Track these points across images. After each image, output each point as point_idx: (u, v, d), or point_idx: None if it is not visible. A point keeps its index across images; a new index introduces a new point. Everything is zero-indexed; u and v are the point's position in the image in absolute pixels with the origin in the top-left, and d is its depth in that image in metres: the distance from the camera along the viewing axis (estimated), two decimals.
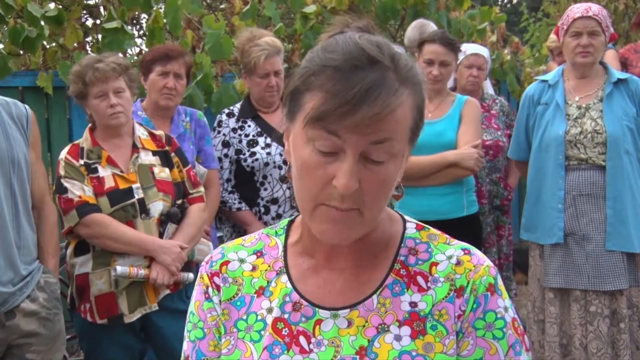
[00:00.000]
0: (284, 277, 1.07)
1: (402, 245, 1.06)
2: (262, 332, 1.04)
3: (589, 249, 2.98)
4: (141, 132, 2.71)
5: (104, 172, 2.57)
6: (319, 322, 1.03)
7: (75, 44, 3.87)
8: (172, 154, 2.73)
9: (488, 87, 4.37)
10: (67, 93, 3.81)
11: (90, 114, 2.65)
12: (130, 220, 2.54)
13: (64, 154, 2.62)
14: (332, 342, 1.02)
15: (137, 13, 4.77)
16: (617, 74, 3.11)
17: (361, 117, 0.88)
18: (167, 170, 2.67)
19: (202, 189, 2.81)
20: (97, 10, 4.61)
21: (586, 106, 3.04)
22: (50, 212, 2.45)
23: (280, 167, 3.07)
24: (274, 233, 1.13)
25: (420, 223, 1.11)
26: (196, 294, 1.11)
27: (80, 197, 2.51)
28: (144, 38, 4.83)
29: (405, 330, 1.01)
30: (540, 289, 3.12)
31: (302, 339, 1.03)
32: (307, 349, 1.02)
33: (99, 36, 3.99)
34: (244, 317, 1.06)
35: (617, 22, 7.73)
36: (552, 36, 4.34)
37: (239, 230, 3.20)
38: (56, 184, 2.58)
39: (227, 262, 1.10)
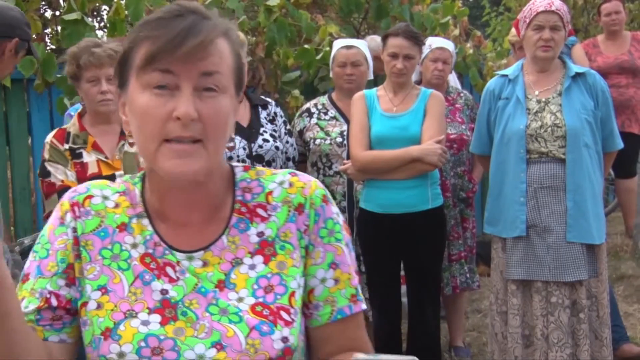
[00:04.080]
0: (145, 220, 1.14)
1: (236, 188, 1.16)
2: (129, 261, 1.11)
3: (550, 240, 3.02)
4: None
5: (89, 157, 2.57)
6: (177, 263, 1.11)
7: (34, 36, 3.78)
8: None
9: (454, 81, 4.39)
10: (25, 85, 3.73)
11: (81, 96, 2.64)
12: None
13: (50, 137, 2.61)
14: (195, 275, 1.11)
15: (97, 4, 4.67)
16: (575, 68, 3.16)
17: (188, 47, 1.00)
18: None
19: None
20: (56, 1, 4.50)
21: (545, 100, 3.08)
22: None
23: (243, 161, 3.05)
24: (133, 182, 1.19)
25: (247, 165, 1.21)
26: (52, 219, 1.17)
27: (62, 181, 2.51)
28: (105, 30, 4.75)
29: (258, 259, 1.12)
30: (502, 281, 3.16)
31: (168, 269, 1.11)
32: (175, 277, 1.10)
33: (59, 28, 3.91)
34: (109, 247, 1.12)
35: (576, 17, 7.87)
36: (514, 30, 4.38)
37: None
38: (40, 167, 2.57)
39: (90, 197, 1.17)
